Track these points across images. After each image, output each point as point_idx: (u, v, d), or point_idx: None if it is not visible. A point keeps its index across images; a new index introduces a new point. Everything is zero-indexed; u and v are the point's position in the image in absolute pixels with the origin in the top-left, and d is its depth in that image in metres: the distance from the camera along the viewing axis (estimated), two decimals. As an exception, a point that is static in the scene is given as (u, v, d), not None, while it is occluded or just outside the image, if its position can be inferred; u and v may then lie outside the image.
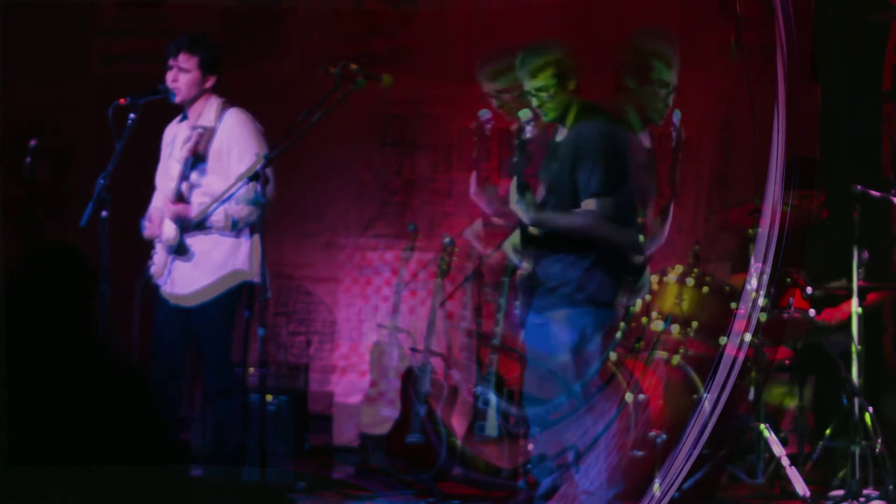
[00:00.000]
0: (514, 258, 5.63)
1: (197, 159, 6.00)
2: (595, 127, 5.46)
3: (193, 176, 6.00)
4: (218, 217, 5.94)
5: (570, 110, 5.51)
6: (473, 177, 5.86)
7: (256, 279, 5.87)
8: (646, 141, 5.72)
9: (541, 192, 5.56)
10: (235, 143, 5.99)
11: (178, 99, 6.08)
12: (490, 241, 6.69)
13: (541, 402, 5.53)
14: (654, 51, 5.85)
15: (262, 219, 5.69)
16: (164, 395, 5.93)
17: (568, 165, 5.43)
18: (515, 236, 5.61)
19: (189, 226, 5.98)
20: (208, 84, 6.09)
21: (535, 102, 5.49)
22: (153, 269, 6.11)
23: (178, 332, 6.07)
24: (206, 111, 6.09)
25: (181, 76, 6.04)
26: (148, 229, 6.11)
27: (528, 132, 5.51)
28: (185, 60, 6.05)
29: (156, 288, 6.12)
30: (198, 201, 5.99)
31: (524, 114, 5.46)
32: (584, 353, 5.40)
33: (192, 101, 6.10)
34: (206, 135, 6.00)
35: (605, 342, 5.49)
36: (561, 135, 5.54)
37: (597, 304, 5.44)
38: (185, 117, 6.16)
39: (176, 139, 6.15)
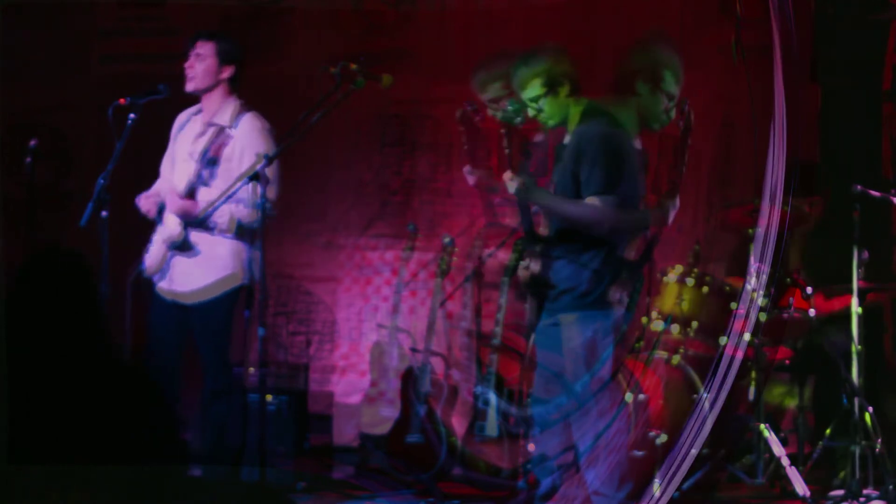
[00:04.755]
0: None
1: (210, 160, 6.00)
2: (595, 127, 5.46)
3: (205, 174, 6.00)
4: (223, 219, 5.94)
5: (573, 114, 5.51)
6: (468, 168, 5.88)
7: (248, 283, 5.91)
8: (637, 143, 5.72)
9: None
10: (249, 149, 5.97)
11: (191, 86, 6.07)
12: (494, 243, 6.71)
13: (546, 402, 5.54)
14: (665, 62, 5.87)
15: (262, 222, 5.70)
16: (160, 393, 5.92)
17: (571, 166, 5.44)
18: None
19: (193, 222, 5.97)
20: (224, 75, 6.07)
21: (531, 112, 5.52)
22: (147, 263, 6.08)
23: (173, 329, 6.06)
24: (223, 110, 6.08)
25: (197, 63, 6.05)
26: (144, 204, 6.07)
27: (539, 137, 5.55)
28: (202, 46, 6.06)
29: (148, 283, 6.10)
30: (203, 199, 5.99)
31: (531, 110, 5.51)
32: (595, 353, 5.41)
33: (206, 91, 6.08)
34: (223, 139, 6.00)
35: (615, 342, 5.51)
36: (567, 138, 5.55)
37: (607, 306, 5.46)
38: (200, 110, 6.15)
39: (186, 127, 6.14)
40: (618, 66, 6.01)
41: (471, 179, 5.92)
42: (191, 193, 5.99)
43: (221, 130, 6.02)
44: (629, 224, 5.47)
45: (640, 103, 5.69)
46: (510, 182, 5.42)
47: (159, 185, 6.19)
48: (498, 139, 6.11)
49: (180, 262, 6.03)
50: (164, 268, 6.06)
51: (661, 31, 6.65)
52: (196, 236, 5.99)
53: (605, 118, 5.51)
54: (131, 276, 6.06)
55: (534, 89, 5.48)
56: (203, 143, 6.03)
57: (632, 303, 5.55)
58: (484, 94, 6.48)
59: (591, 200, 5.37)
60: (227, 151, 6.00)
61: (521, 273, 5.58)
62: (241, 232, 5.97)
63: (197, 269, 6.00)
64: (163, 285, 6.08)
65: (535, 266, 5.50)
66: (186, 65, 6.07)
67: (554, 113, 5.51)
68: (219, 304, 6.00)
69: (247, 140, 6.00)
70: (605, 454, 5.40)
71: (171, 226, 6.02)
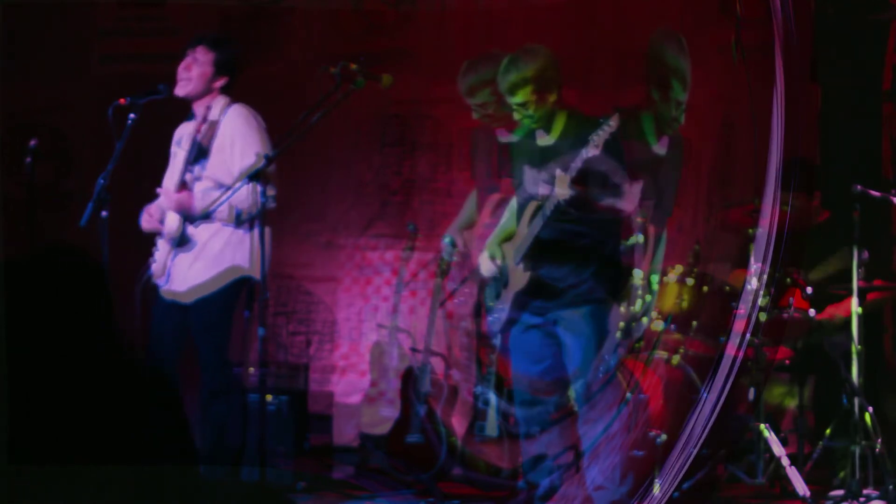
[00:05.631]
0: (490, 268, 5.65)
1: (200, 153, 6.00)
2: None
3: (196, 169, 6.00)
4: (222, 209, 5.93)
5: (555, 118, 5.55)
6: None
7: (255, 276, 5.87)
8: (659, 149, 5.76)
9: (523, 192, 5.59)
10: (239, 137, 5.97)
11: (182, 92, 6.06)
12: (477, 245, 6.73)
13: (539, 402, 5.55)
14: (674, 68, 5.90)
15: (262, 219, 5.70)
16: (161, 393, 5.90)
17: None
18: (492, 244, 5.67)
19: (192, 216, 5.96)
20: (218, 84, 6.07)
21: (516, 116, 5.56)
22: (154, 269, 6.09)
23: (172, 329, 6.05)
24: (212, 108, 6.08)
25: (194, 67, 6.04)
26: (147, 222, 6.08)
27: (506, 136, 5.60)
28: (202, 53, 6.04)
29: (156, 288, 6.10)
30: (198, 192, 5.98)
31: (517, 114, 5.55)
32: (600, 348, 5.44)
33: (198, 97, 6.08)
34: (210, 128, 6.00)
35: (617, 339, 5.54)
36: (543, 139, 5.57)
37: (611, 302, 5.49)
38: (192, 116, 6.15)
39: (183, 140, 6.15)
40: (645, 73, 6.06)
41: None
42: (182, 184, 5.99)
43: (210, 123, 6.03)
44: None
45: (656, 109, 5.75)
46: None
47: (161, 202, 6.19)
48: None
49: (178, 262, 6.02)
50: (167, 271, 6.06)
51: (668, 32, 6.67)
52: (193, 230, 5.99)
53: (592, 123, 5.55)
54: (140, 282, 6.06)
55: (524, 95, 5.51)
56: (195, 135, 6.03)
57: (630, 301, 5.58)
58: (471, 98, 6.51)
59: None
60: (217, 143, 5.99)
61: (485, 267, 5.63)
62: (240, 222, 5.96)
63: (194, 267, 6.00)
64: (165, 287, 6.08)
65: (525, 266, 5.52)
66: (182, 66, 6.05)
67: (539, 118, 5.55)
68: (216, 299, 5.98)
69: (234, 127, 5.99)
70: (606, 450, 5.41)
71: (170, 222, 6.02)
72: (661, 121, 6.06)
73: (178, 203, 5.96)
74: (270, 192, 5.85)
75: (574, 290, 5.46)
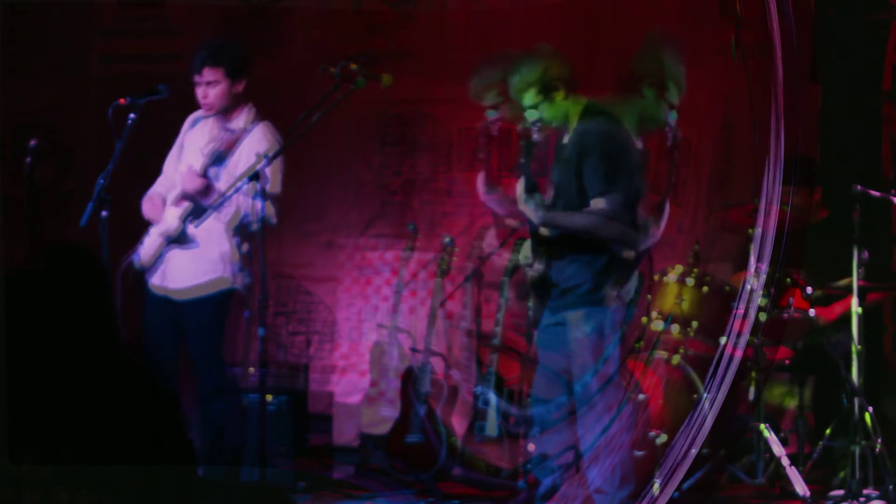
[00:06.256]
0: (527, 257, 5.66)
1: (217, 158, 5.99)
2: (596, 126, 5.49)
3: (210, 172, 6.00)
4: (229, 207, 5.91)
5: (572, 114, 5.54)
6: (481, 179, 5.89)
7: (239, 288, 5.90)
8: (638, 142, 5.74)
9: (550, 193, 5.58)
10: (256, 157, 5.96)
11: (210, 112, 6.04)
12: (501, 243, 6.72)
13: (547, 402, 5.55)
14: (671, 70, 5.89)
15: (262, 221, 5.70)
16: (162, 392, 5.89)
17: (573, 166, 5.46)
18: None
19: (203, 204, 5.93)
20: (238, 89, 6.04)
21: (530, 117, 5.56)
22: (141, 255, 6.06)
23: (169, 328, 6.04)
24: (238, 117, 6.05)
25: (210, 91, 5.99)
26: (148, 210, 6.08)
27: (535, 135, 5.56)
28: (210, 74, 5.98)
29: (139, 275, 6.08)
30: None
31: (531, 115, 5.51)
32: (601, 350, 5.43)
33: (227, 110, 6.06)
34: (234, 140, 5.99)
35: (621, 339, 5.53)
36: (566, 137, 5.57)
37: (611, 303, 5.48)
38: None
39: (197, 126, 6.13)
40: (627, 67, 6.04)
41: (482, 190, 5.93)
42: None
43: (234, 134, 6.02)
44: (622, 236, 5.50)
45: (644, 106, 5.72)
46: (533, 212, 5.43)
47: (161, 184, 6.18)
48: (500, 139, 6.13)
49: (173, 258, 6.01)
50: (157, 262, 6.04)
51: (665, 35, 6.67)
52: (193, 231, 5.98)
53: (604, 116, 5.53)
54: (121, 267, 6.04)
55: (530, 97, 5.52)
56: (221, 141, 6.02)
57: (632, 301, 5.57)
58: (479, 100, 6.51)
59: (597, 202, 5.40)
60: (234, 156, 5.98)
61: (529, 273, 5.61)
62: (242, 230, 5.96)
63: (189, 267, 5.99)
64: (154, 281, 6.07)
65: (539, 265, 5.52)
66: (199, 94, 6.01)
67: (553, 116, 5.54)
68: (208, 302, 5.98)
69: (254, 150, 5.95)
70: (606, 452, 5.41)
71: (169, 219, 6.01)
72: (647, 120, 6.04)
73: (200, 185, 5.92)
74: (274, 219, 5.87)
75: (578, 288, 5.46)
